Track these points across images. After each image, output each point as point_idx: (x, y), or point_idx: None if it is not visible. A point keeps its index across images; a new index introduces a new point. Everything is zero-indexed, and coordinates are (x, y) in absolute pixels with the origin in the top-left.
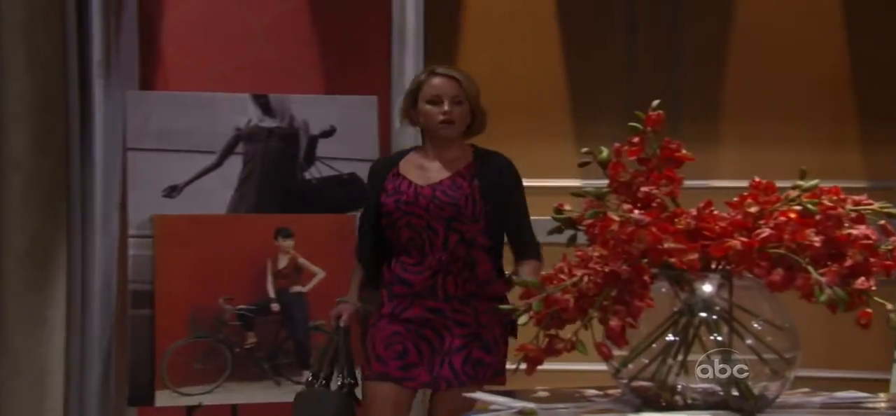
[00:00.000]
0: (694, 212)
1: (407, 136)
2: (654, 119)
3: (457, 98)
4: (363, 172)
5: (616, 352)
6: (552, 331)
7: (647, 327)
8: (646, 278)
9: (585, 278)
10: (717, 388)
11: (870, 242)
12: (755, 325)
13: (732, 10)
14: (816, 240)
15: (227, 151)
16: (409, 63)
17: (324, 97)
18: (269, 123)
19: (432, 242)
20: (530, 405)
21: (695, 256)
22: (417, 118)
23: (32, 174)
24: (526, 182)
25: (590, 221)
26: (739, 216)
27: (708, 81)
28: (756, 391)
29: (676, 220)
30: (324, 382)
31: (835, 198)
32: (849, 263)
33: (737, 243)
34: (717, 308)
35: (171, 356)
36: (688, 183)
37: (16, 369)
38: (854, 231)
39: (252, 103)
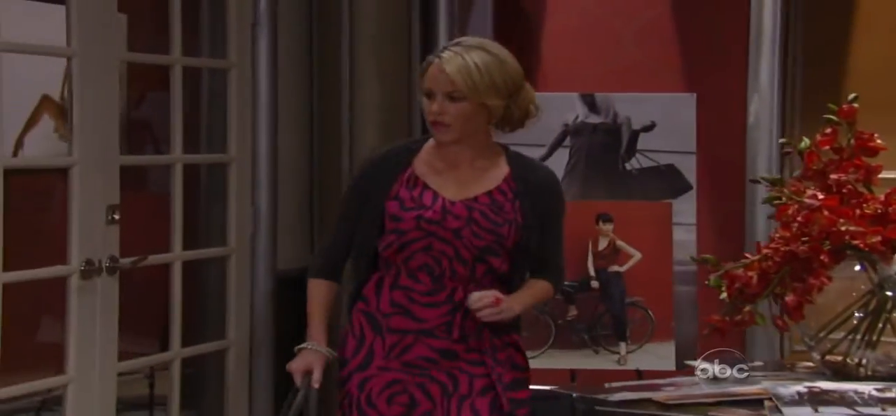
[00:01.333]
0: (882, 198)
1: None
2: (847, 111)
3: (453, 93)
4: (682, 163)
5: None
6: (741, 305)
7: (842, 305)
8: (823, 257)
9: (767, 257)
10: None
11: None
12: None
13: None
14: None
15: (556, 145)
16: (764, 65)
17: (645, 95)
18: (594, 119)
19: (455, 271)
20: None
21: (877, 238)
22: None
23: None
24: None
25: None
26: None
27: None
28: None
29: (865, 205)
30: None
31: None
32: None
33: None
34: None
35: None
36: None
37: None
38: None
39: (579, 101)
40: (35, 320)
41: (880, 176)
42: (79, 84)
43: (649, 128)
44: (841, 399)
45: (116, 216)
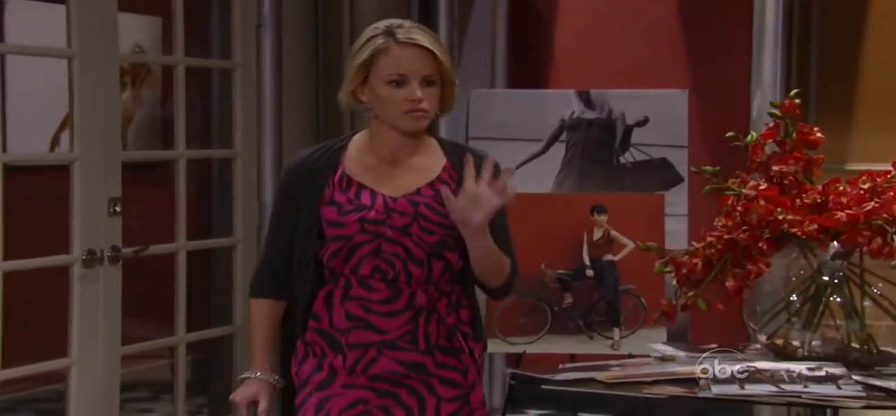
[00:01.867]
0: (820, 188)
1: None
2: (789, 106)
3: (429, 77)
4: (673, 156)
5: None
6: (687, 291)
7: (786, 291)
8: (761, 245)
9: (711, 245)
10: (839, 345)
11: None
12: (875, 289)
13: None
14: None
15: (553, 140)
16: (767, 60)
17: (638, 91)
18: (589, 114)
19: (410, 273)
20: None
21: (814, 226)
22: (368, 98)
23: None
24: None
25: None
26: (857, 192)
27: None
28: (879, 348)
29: (805, 195)
30: None
31: None
32: None
33: (843, 215)
34: (840, 274)
35: (501, 311)
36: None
37: None
38: None
39: (575, 98)
40: (41, 306)
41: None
42: (79, 84)
43: (643, 123)
44: (770, 378)
45: (118, 209)
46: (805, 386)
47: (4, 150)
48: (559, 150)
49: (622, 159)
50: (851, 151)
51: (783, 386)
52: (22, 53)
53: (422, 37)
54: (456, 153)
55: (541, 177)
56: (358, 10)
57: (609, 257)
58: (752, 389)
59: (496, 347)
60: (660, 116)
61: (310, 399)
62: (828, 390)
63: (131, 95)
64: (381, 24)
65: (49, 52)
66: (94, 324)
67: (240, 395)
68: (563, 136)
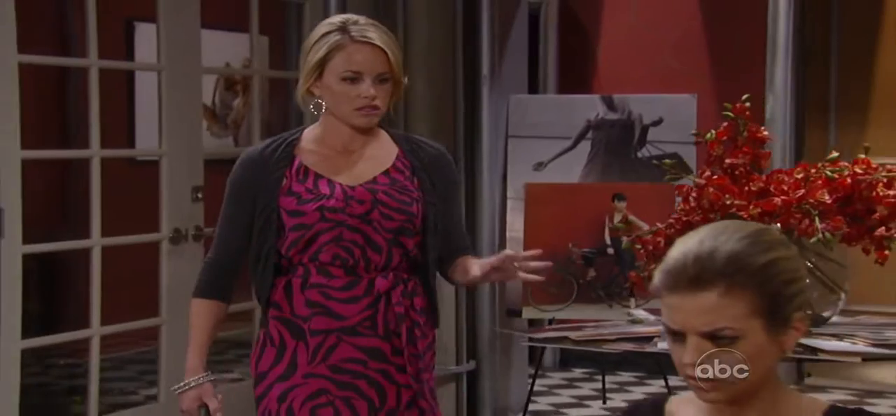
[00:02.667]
0: (764, 177)
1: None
2: (740, 109)
3: (382, 75)
4: (684, 152)
5: None
6: (650, 264)
7: None
8: None
9: (671, 226)
10: None
11: (894, 200)
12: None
13: None
14: (828, 198)
15: (580, 138)
16: (779, 69)
17: (654, 96)
18: (611, 116)
19: (370, 260)
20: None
21: (758, 210)
22: (322, 93)
23: None
24: None
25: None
26: (794, 181)
27: None
28: (811, 310)
29: (752, 183)
30: None
31: (865, 167)
32: (877, 216)
33: (779, 200)
34: None
35: (535, 283)
36: None
37: None
38: (891, 192)
39: (600, 102)
40: (136, 275)
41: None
42: (167, 92)
43: (657, 123)
44: None
45: (200, 196)
46: None
47: (134, 146)
48: (585, 146)
49: (639, 154)
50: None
51: None
52: (117, 68)
53: (376, 35)
54: (407, 143)
55: (569, 169)
56: (409, 22)
57: (627, 238)
58: None
59: (530, 313)
60: (672, 117)
61: (271, 390)
62: None
63: (242, 101)
64: (337, 20)
65: (141, 67)
66: (180, 291)
67: (187, 404)
68: (589, 134)
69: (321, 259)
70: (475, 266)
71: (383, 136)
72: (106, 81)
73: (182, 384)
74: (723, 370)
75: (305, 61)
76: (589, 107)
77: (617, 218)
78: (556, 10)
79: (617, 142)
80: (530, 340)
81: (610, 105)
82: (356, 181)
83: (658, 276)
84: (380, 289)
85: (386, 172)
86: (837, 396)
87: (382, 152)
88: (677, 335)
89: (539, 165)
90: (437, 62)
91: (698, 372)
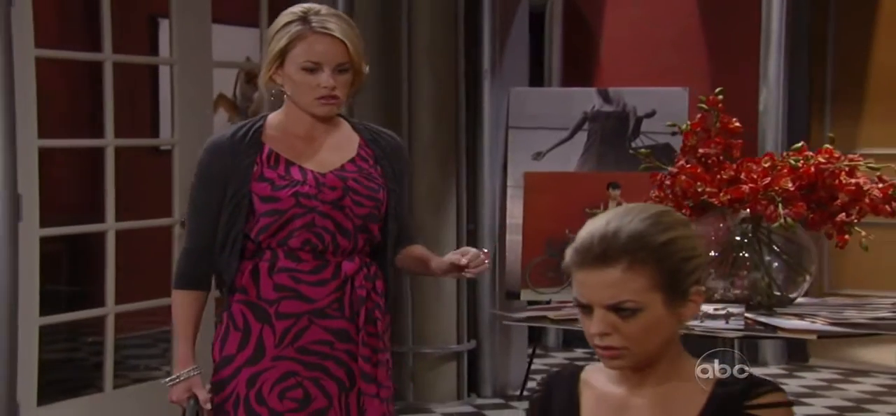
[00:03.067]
0: (734, 166)
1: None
2: (712, 101)
3: (342, 65)
4: (676, 143)
5: None
6: None
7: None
8: (685, 212)
9: None
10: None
11: (855, 187)
12: (775, 247)
13: None
14: (791, 185)
15: (577, 128)
16: (772, 63)
17: (648, 89)
18: (607, 108)
19: (338, 245)
20: None
21: (728, 196)
22: (283, 82)
23: (430, 141)
24: None
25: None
26: (762, 169)
27: None
28: (779, 291)
29: (723, 172)
30: None
31: (828, 156)
32: (839, 202)
33: (747, 188)
34: (749, 235)
35: (533, 267)
36: None
37: (418, 281)
38: (852, 180)
39: (596, 95)
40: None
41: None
42: (179, 85)
43: (651, 115)
44: None
45: None
46: (701, 321)
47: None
48: (582, 137)
49: (633, 145)
50: (862, 138)
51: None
52: (129, 62)
53: (336, 27)
54: (368, 132)
55: (567, 159)
56: (413, 20)
57: None
58: None
59: (528, 295)
60: (665, 110)
61: (240, 375)
62: (717, 324)
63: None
64: (298, 10)
65: (155, 61)
66: None
67: (177, 395)
68: (586, 125)
69: (291, 244)
70: (432, 263)
71: (344, 124)
72: (132, 75)
73: (173, 376)
74: (626, 340)
75: (268, 49)
76: (586, 99)
77: (611, 205)
78: (560, 8)
79: (612, 133)
80: (506, 320)
81: (606, 98)
82: (325, 168)
83: (568, 254)
84: (347, 272)
85: (352, 160)
86: (825, 375)
87: (345, 140)
88: (586, 308)
89: (538, 155)
90: (440, 57)
91: (605, 342)
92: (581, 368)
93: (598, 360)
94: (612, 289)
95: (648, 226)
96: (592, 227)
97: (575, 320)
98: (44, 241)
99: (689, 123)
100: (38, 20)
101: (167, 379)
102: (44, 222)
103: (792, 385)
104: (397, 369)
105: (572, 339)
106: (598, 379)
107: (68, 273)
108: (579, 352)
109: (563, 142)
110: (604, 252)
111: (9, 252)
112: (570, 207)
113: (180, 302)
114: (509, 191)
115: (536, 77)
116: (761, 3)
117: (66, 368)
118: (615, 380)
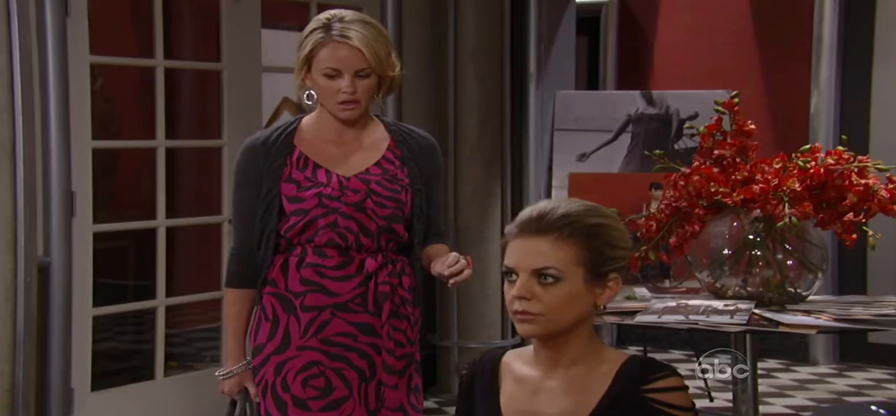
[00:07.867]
0: (748, 167)
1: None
2: (728, 104)
3: (362, 71)
4: None
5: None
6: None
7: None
8: (698, 211)
9: (662, 211)
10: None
11: (863, 188)
12: (788, 246)
13: None
14: (798, 186)
15: (621, 131)
16: (824, 66)
17: (691, 92)
18: (650, 111)
19: (361, 244)
20: None
21: (741, 197)
22: (312, 86)
23: (476, 143)
24: None
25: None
26: (773, 170)
27: None
28: (792, 288)
29: (737, 172)
30: None
31: (837, 157)
32: (847, 203)
33: (758, 188)
34: (762, 234)
35: None
36: None
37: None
38: (862, 181)
39: (640, 97)
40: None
41: None
42: (228, 88)
43: (693, 117)
44: (685, 309)
45: None
46: (707, 316)
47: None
48: (625, 139)
49: (676, 147)
50: None
51: (691, 316)
52: (179, 67)
53: (355, 34)
54: (399, 133)
55: (611, 160)
56: (460, 24)
57: None
58: (666, 318)
59: None
60: (707, 112)
61: (268, 363)
62: (722, 319)
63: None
64: (323, 17)
65: (206, 67)
66: None
67: (229, 387)
68: (629, 128)
69: (317, 241)
70: (436, 264)
71: (376, 126)
72: (201, 80)
73: (225, 370)
74: (542, 306)
75: (297, 55)
76: (630, 102)
77: (653, 206)
78: (614, 12)
79: (655, 135)
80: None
81: (649, 100)
82: (350, 172)
83: (509, 228)
84: (369, 269)
85: (378, 163)
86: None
87: (374, 142)
88: (511, 273)
89: (582, 157)
90: (486, 60)
91: (523, 306)
92: (502, 353)
93: (525, 345)
94: (539, 256)
95: (583, 210)
96: (535, 205)
97: (620, 315)
98: (111, 236)
99: (703, 126)
100: (114, 28)
101: (218, 372)
102: (121, 219)
103: (839, 384)
104: (443, 363)
105: (625, 336)
106: (516, 363)
107: (139, 267)
108: (632, 350)
109: (607, 144)
110: (538, 224)
111: (64, 247)
112: (614, 206)
113: (230, 300)
114: (554, 192)
115: (592, 80)
116: (813, 6)
117: (133, 357)
118: (531, 364)
